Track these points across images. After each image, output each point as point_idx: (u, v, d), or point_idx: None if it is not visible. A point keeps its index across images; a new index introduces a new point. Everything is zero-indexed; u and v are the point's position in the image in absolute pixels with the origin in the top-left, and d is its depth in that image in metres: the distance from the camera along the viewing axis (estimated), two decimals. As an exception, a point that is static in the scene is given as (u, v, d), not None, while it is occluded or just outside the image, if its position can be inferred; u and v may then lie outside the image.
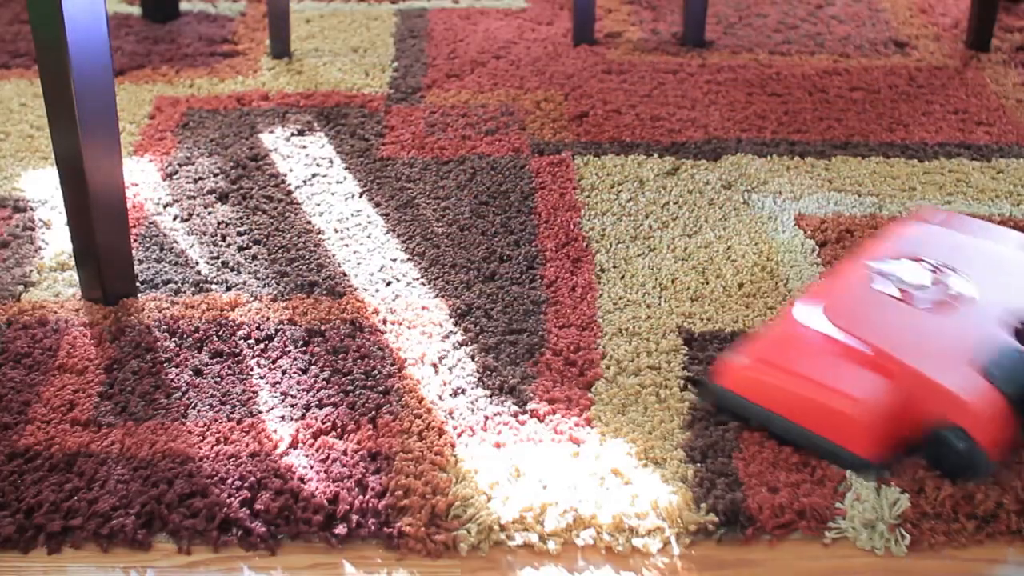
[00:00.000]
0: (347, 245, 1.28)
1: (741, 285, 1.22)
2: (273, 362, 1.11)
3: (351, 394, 1.07)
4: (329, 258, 1.26)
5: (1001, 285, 1.09)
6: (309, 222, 1.32)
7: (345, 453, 1.00)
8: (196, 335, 1.14)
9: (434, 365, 1.11)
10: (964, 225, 1.20)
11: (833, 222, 1.32)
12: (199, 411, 1.05)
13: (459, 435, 1.03)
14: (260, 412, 1.05)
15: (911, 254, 1.13)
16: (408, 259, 1.26)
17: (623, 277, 1.23)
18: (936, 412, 0.98)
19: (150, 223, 1.32)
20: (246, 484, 0.97)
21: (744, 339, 1.12)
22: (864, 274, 1.10)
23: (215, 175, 1.40)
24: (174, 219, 1.32)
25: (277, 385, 1.08)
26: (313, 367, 1.10)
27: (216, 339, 1.14)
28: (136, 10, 1.84)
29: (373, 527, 0.94)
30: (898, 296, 1.07)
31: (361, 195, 1.37)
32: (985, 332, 1.03)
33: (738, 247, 1.28)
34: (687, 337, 1.15)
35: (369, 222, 1.32)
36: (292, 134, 1.49)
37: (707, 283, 1.22)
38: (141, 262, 1.25)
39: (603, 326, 1.16)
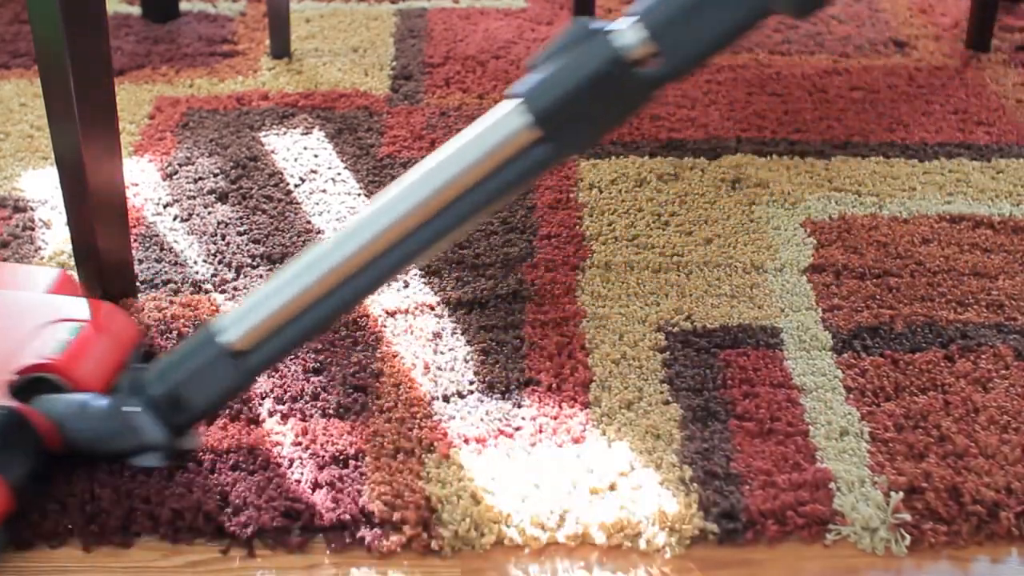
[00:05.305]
0: (347, 245, 1.28)
1: (740, 285, 1.22)
2: (273, 362, 1.11)
3: (350, 394, 1.07)
4: (329, 258, 1.26)
5: None
6: (309, 222, 1.32)
7: (343, 452, 1.00)
8: (196, 335, 1.14)
9: (432, 364, 1.11)
10: None
11: (833, 222, 1.32)
12: (199, 411, 1.05)
13: (457, 435, 1.03)
14: (258, 411, 1.05)
15: None
16: (408, 259, 1.26)
17: (623, 277, 1.23)
18: None
19: (150, 223, 1.32)
20: (244, 483, 0.97)
21: None
22: None
23: (215, 175, 1.40)
24: (174, 219, 1.32)
25: (275, 384, 1.08)
26: (311, 366, 1.10)
27: (216, 339, 1.14)
28: (136, 10, 1.83)
29: (372, 527, 0.94)
30: None
31: (360, 194, 1.37)
32: None
33: (737, 247, 1.28)
34: (687, 337, 1.15)
35: (369, 222, 1.32)
36: (292, 134, 1.49)
37: (706, 283, 1.22)
38: (141, 262, 1.25)
39: (603, 326, 1.16)
